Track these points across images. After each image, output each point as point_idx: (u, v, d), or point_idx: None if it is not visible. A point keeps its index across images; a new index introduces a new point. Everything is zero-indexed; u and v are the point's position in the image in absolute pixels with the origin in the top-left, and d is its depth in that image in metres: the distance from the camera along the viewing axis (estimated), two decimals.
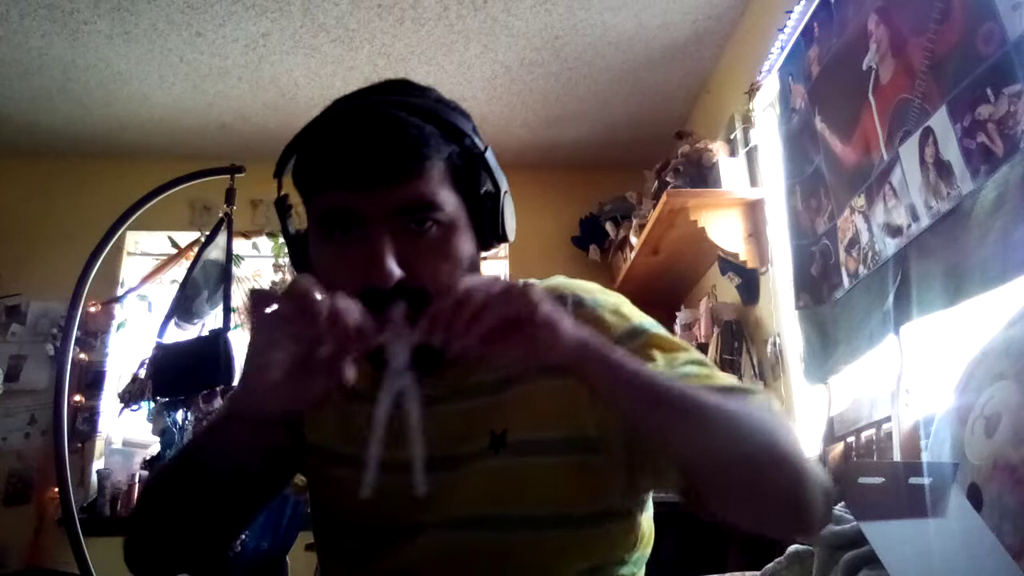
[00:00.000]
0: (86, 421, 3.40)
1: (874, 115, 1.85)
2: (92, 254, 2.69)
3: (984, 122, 1.46)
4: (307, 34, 2.88)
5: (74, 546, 2.45)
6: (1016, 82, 1.38)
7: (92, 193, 3.58)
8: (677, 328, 3.04)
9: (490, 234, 0.84)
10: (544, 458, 0.81)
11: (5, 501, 3.27)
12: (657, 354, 0.78)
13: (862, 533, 0.91)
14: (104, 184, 3.56)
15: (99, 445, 3.43)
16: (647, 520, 0.90)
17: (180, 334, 2.80)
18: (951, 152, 1.55)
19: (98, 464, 3.40)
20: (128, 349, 3.50)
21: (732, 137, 2.80)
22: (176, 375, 2.59)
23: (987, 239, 1.44)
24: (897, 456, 1.73)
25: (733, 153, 2.76)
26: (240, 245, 3.42)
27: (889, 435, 1.80)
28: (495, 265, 3.74)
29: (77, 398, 3.36)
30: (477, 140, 0.84)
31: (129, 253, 3.75)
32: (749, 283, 2.72)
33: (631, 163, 3.55)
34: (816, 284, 2.17)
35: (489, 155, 0.84)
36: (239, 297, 3.47)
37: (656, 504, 0.92)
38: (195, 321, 2.82)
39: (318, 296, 0.65)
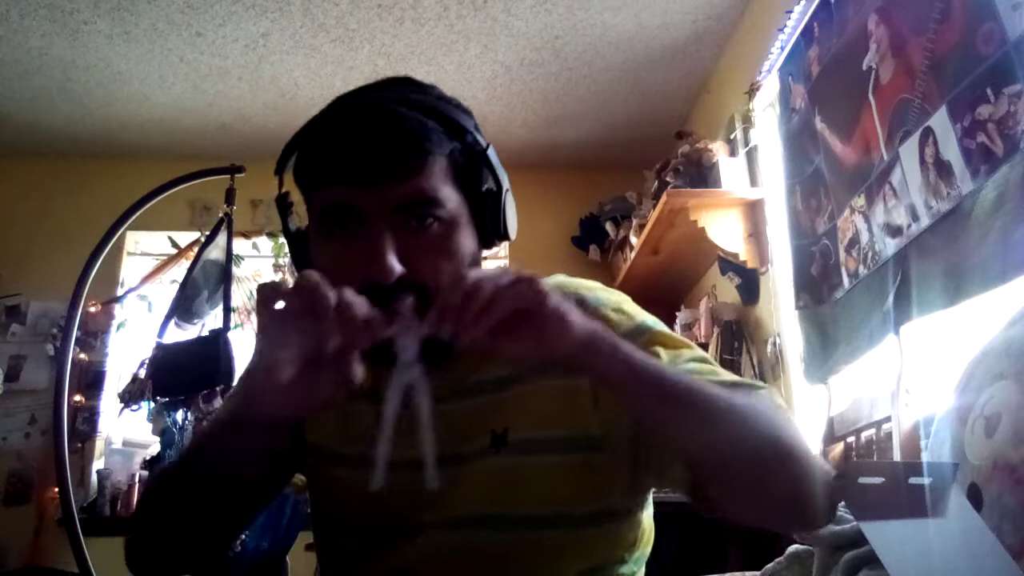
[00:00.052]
0: (86, 421, 3.40)
1: (874, 115, 1.85)
2: (92, 254, 2.69)
3: (984, 122, 1.46)
4: (307, 34, 2.88)
5: (74, 546, 2.45)
6: (1016, 82, 1.38)
7: (92, 193, 3.58)
8: (677, 328, 3.04)
9: (491, 232, 0.84)
10: (546, 457, 0.81)
11: (5, 501, 3.27)
12: (661, 351, 0.78)
13: (862, 533, 0.91)
14: (104, 184, 3.56)
15: (99, 445, 3.43)
16: (647, 519, 0.90)
17: (180, 334, 2.80)
18: (951, 152, 1.55)
19: (98, 464, 3.40)
20: (128, 349, 3.50)
21: (732, 137, 2.80)
22: (176, 375, 2.59)
23: (987, 239, 1.44)
24: (897, 456, 1.73)
25: (733, 153, 2.76)
26: (240, 245, 3.43)
27: (889, 435, 1.80)
28: (495, 265, 3.74)
29: (77, 398, 3.36)
30: (479, 137, 0.83)
31: (129, 253, 3.75)
32: (749, 283, 2.72)
33: (631, 163, 3.55)
34: (816, 284, 2.17)
35: (491, 152, 0.84)
36: (239, 297, 3.48)
37: (656, 504, 0.92)
38: (195, 321, 2.82)
39: (326, 290, 0.65)
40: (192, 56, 3.00)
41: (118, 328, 3.60)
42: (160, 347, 2.70)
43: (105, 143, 3.60)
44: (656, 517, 0.92)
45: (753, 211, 2.70)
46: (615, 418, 0.79)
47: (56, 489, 2.89)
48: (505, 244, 0.87)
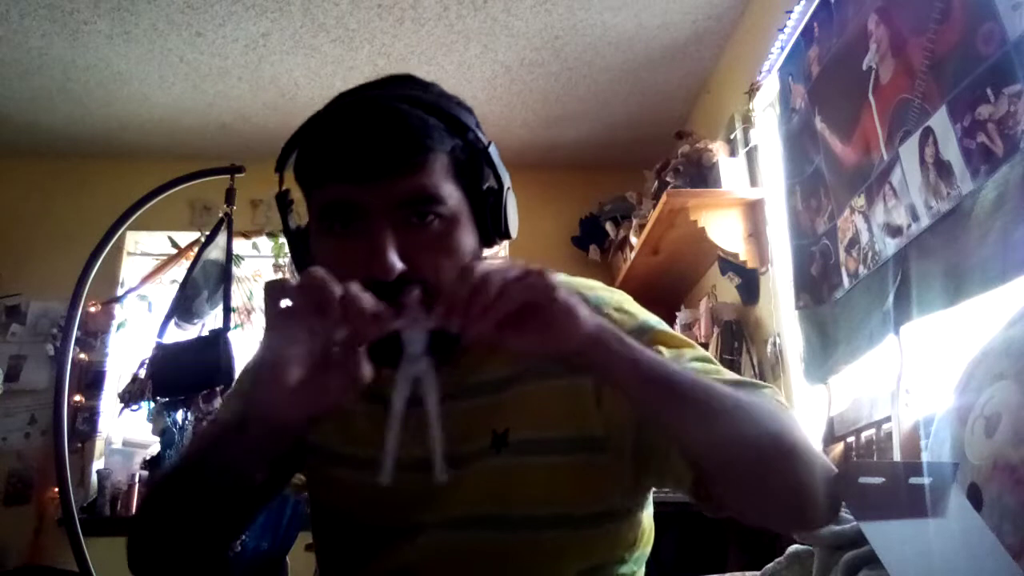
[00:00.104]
0: (86, 421, 3.40)
1: (874, 115, 1.85)
2: (92, 254, 2.69)
3: (984, 122, 1.46)
4: (307, 34, 2.88)
5: (74, 546, 2.45)
6: (1016, 82, 1.38)
7: (92, 193, 3.57)
8: (677, 328, 3.03)
9: (492, 230, 0.83)
10: (547, 458, 0.80)
11: (5, 501, 3.27)
12: (663, 351, 0.78)
13: (862, 533, 0.91)
14: (104, 184, 3.56)
15: (99, 445, 3.42)
16: (647, 518, 0.90)
17: (180, 334, 2.80)
18: (951, 152, 1.55)
19: (98, 464, 3.39)
20: (128, 349, 3.50)
21: (732, 137, 2.80)
22: (176, 375, 2.59)
23: (987, 239, 1.44)
24: (897, 456, 1.73)
25: (733, 153, 2.76)
26: (240, 245, 3.43)
27: (889, 435, 1.80)
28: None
29: (77, 398, 3.36)
30: (480, 135, 0.83)
31: (129, 253, 3.74)
32: (749, 283, 2.72)
33: (631, 163, 3.54)
34: (816, 284, 2.17)
35: (492, 150, 0.84)
36: (239, 297, 3.48)
37: (656, 504, 0.92)
38: (195, 321, 2.82)
39: (333, 285, 0.64)
40: (192, 56, 3.00)
41: (118, 328, 3.60)
42: (160, 347, 2.70)
43: (105, 143, 3.60)
44: (656, 517, 0.92)
45: (753, 211, 2.70)
46: (618, 418, 0.79)
47: (56, 489, 2.89)
48: (505, 243, 0.87)
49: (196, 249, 2.99)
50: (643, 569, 0.91)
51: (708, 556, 2.28)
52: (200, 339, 2.73)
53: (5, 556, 3.13)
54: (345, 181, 0.76)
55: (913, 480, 0.76)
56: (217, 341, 2.62)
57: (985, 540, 0.79)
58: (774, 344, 2.51)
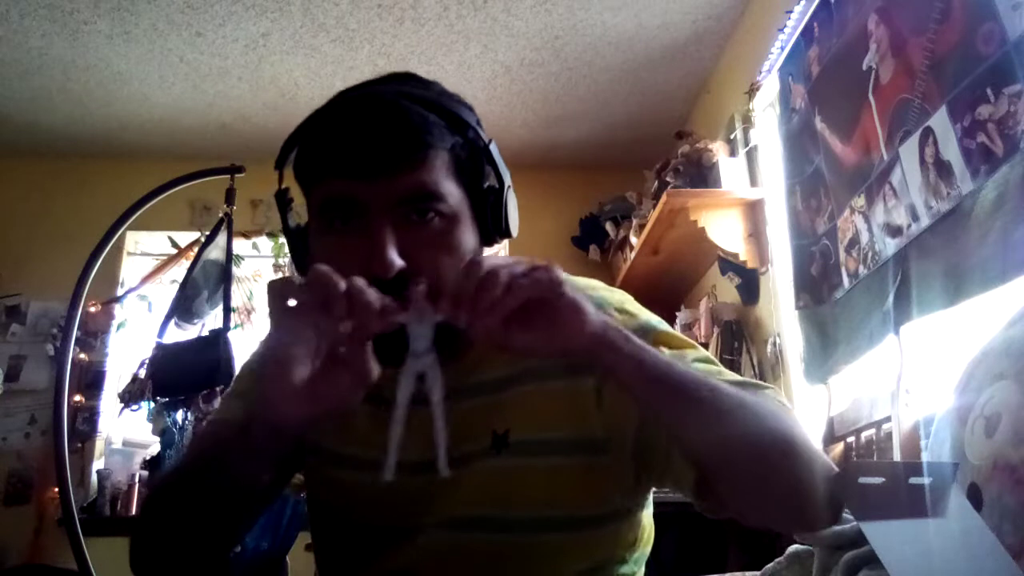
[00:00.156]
0: (86, 421, 3.40)
1: (874, 115, 1.85)
2: (92, 254, 2.68)
3: (984, 122, 1.46)
4: (307, 34, 2.88)
5: (74, 546, 2.45)
6: (1016, 82, 1.38)
7: (92, 193, 3.57)
8: (677, 328, 3.03)
9: (492, 228, 0.83)
10: (548, 459, 0.80)
11: (5, 501, 3.26)
12: (665, 351, 0.78)
13: (862, 533, 0.91)
14: (104, 184, 3.56)
15: (99, 445, 3.42)
16: (647, 518, 0.90)
17: (180, 334, 2.80)
18: (951, 152, 1.55)
19: (98, 464, 3.39)
20: (128, 349, 3.50)
21: (732, 137, 2.80)
22: (176, 375, 2.59)
23: (987, 239, 1.44)
24: (897, 456, 1.73)
25: (733, 153, 2.76)
26: (240, 245, 3.43)
27: (889, 435, 1.80)
28: None
29: (77, 398, 3.36)
30: (481, 133, 0.83)
31: (129, 253, 3.74)
32: (749, 283, 2.72)
33: (631, 163, 3.54)
34: (816, 284, 2.17)
35: (493, 148, 0.83)
36: (239, 297, 3.48)
37: (656, 504, 0.92)
38: (195, 321, 2.82)
39: (338, 279, 0.64)
40: (192, 56, 3.00)
41: (118, 328, 3.60)
42: (160, 347, 2.70)
43: (105, 143, 3.60)
44: (656, 517, 0.92)
45: (753, 211, 2.70)
46: (619, 420, 0.79)
47: (56, 489, 2.89)
48: (505, 243, 0.87)
49: (196, 249, 2.98)
50: (643, 569, 0.91)
51: (708, 556, 2.28)
52: (200, 339, 2.73)
53: (5, 556, 3.13)
54: (345, 176, 0.75)
55: (913, 480, 0.76)
56: (217, 341, 2.62)
57: (985, 540, 0.79)
58: (774, 344, 2.51)
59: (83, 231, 2.97)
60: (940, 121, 1.59)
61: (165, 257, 3.48)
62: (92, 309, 3.43)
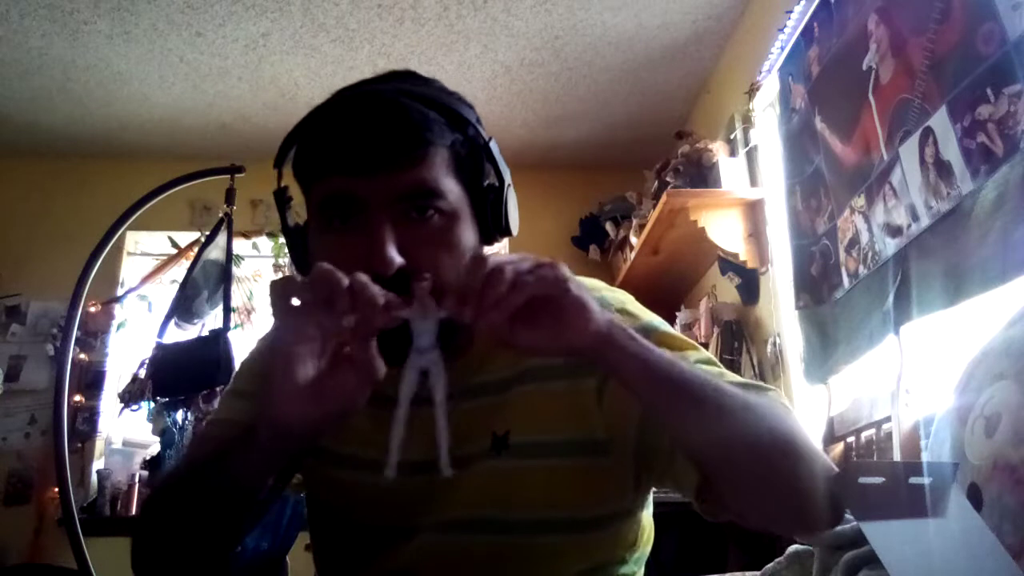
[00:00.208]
0: (86, 421, 3.40)
1: (874, 115, 1.85)
2: (92, 254, 2.68)
3: (984, 122, 1.46)
4: (307, 34, 2.88)
5: (74, 546, 2.45)
6: (1016, 82, 1.38)
7: (92, 193, 3.57)
8: (677, 328, 3.03)
9: (492, 226, 0.82)
10: (548, 460, 0.80)
11: (5, 501, 3.26)
12: (666, 352, 0.78)
13: (862, 533, 0.91)
14: (104, 184, 3.56)
15: (99, 445, 3.42)
16: (647, 518, 0.90)
17: (180, 334, 2.80)
18: (951, 152, 1.55)
19: (98, 464, 3.39)
20: (128, 349, 3.50)
21: (732, 137, 2.80)
22: (176, 375, 2.59)
23: (987, 239, 1.44)
24: (897, 456, 1.73)
25: (733, 153, 2.76)
26: (240, 245, 3.43)
27: (889, 435, 1.80)
28: None
29: (77, 398, 3.36)
30: (481, 130, 0.83)
31: (129, 253, 3.74)
32: (749, 283, 2.72)
33: (631, 163, 3.54)
34: (816, 284, 2.17)
35: (493, 146, 0.83)
36: (239, 297, 3.48)
37: (656, 504, 0.92)
38: (195, 321, 2.82)
39: (341, 276, 0.63)
40: (192, 56, 3.00)
41: (118, 328, 3.60)
42: (160, 347, 2.70)
43: (105, 143, 3.60)
44: (656, 517, 0.92)
45: (753, 211, 2.70)
46: (621, 420, 0.78)
47: (56, 489, 2.89)
48: (505, 242, 0.86)
49: (196, 249, 2.98)
50: (643, 569, 0.90)
51: (708, 556, 2.28)
52: (200, 339, 2.73)
53: (5, 556, 3.13)
54: (345, 173, 0.75)
55: (913, 480, 0.76)
56: (217, 341, 2.62)
57: (985, 540, 0.79)
58: (774, 344, 2.51)
59: (83, 231, 2.97)
60: (940, 121, 1.59)
61: (165, 257, 3.48)
62: (92, 309, 3.43)
